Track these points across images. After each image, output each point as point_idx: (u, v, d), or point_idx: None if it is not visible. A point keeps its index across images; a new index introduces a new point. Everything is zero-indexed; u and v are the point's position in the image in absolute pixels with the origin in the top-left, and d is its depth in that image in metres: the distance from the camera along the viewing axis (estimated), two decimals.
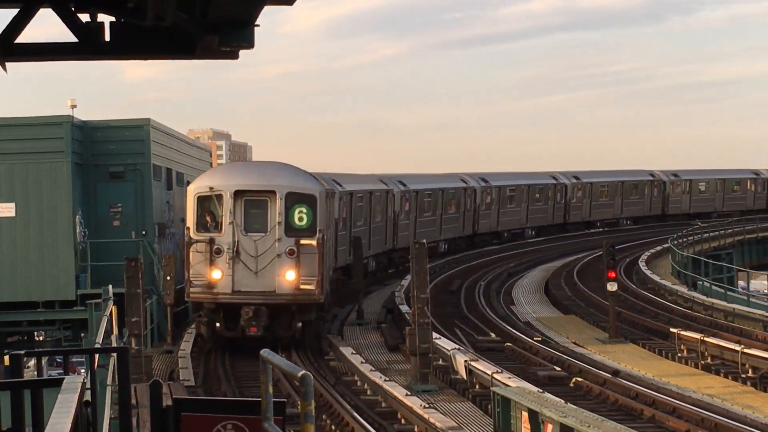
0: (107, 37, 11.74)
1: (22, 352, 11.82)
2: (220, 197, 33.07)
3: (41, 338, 38.45)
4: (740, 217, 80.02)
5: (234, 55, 11.88)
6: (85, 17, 11.60)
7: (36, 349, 20.03)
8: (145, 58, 12.37)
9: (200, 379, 29.31)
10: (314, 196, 34.04)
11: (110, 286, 29.79)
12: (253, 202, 33.51)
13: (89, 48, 11.71)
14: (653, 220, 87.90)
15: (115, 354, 14.83)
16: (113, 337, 26.47)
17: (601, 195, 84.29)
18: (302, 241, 32.95)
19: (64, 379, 8.54)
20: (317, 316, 35.56)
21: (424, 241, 35.87)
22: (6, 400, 8.89)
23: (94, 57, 12.11)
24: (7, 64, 11.82)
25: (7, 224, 35.78)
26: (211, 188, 33.30)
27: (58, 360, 23.31)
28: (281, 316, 33.38)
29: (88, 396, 10.35)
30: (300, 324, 33.42)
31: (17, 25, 11.36)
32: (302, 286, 32.99)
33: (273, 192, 33.33)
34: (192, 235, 32.83)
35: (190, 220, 33.40)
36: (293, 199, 33.43)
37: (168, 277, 34.71)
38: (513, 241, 74.22)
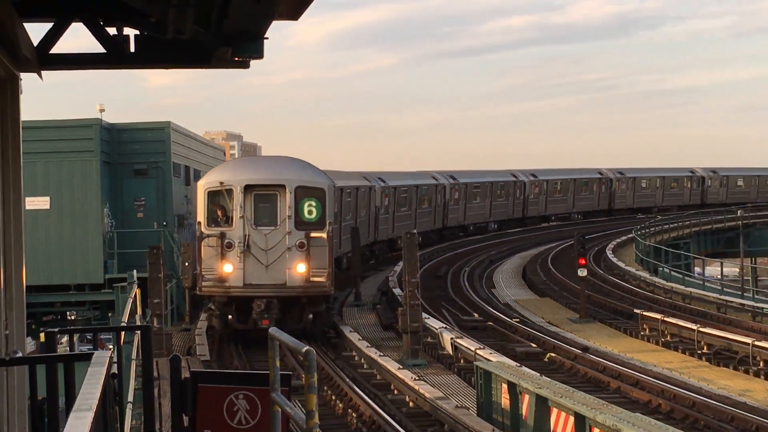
0: (132, 49, 11.72)
1: (56, 329, 11.80)
2: (230, 192, 30.60)
3: (73, 317, 38.40)
4: (697, 211, 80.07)
5: (246, 65, 11.86)
6: (112, 30, 11.58)
7: (68, 327, 20.06)
8: (166, 67, 12.33)
9: (215, 354, 29.29)
10: (323, 190, 31.40)
11: (134, 271, 29.92)
12: (262, 197, 30.97)
13: (116, 58, 11.69)
14: (601, 214, 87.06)
15: (138, 332, 14.81)
16: (137, 317, 26.47)
17: (556, 191, 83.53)
18: (312, 234, 30.46)
19: (93, 354, 8.52)
20: (327, 307, 32.88)
21: (415, 231, 35.83)
22: (42, 372, 8.88)
23: (120, 66, 12.08)
24: (42, 72, 11.79)
25: (43, 216, 35.75)
26: (221, 183, 30.80)
27: (88, 337, 23.35)
28: (292, 308, 30.80)
29: (115, 369, 10.33)
30: (311, 316, 30.92)
31: (51, 37, 11.34)
32: (313, 279, 30.49)
33: (282, 186, 30.83)
34: (203, 229, 30.38)
35: (201, 214, 30.99)
36: (302, 193, 30.86)
37: (186, 263, 34.60)
38: (478, 234, 73.14)
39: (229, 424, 9.96)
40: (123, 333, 18.12)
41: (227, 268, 30.12)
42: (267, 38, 11.15)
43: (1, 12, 8.79)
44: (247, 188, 30.74)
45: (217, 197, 30.75)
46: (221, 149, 62.23)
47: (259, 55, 11.29)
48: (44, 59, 11.36)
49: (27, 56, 10.79)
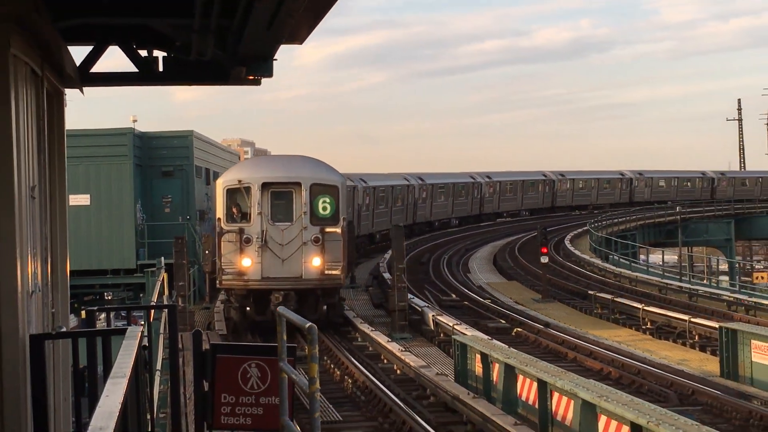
0: (160, 68, 11.70)
1: (95, 308, 11.77)
2: (248, 189, 27.87)
3: (109, 297, 38.33)
4: (642, 207, 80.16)
5: (258, 82, 11.84)
6: (143, 53, 11.56)
7: (106, 306, 20.00)
8: (189, 84, 12.31)
9: (230, 329, 29.26)
10: (337, 187, 28.65)
11: (162, 258, 29.88)
12: (279, 194, 28.24)
13: (146, 76, 11.66)
14: (545, 211, 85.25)
15: (166, 310, 14.78)
16: (165, 297, 26.47)
17: (507, 191, 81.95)
18: (327, 229, 27.78)
19: (127, 329, 8.51)
20: (339, 298, 30.29)
21: (401, 224, 35.70)
22: (83, 344, 8.87)
23: (150, 83, 12.05)
24: (84, 88, 11.77)
25: (84, 211, 35.74)
26: (239, 181, 28.06)
27: (123, 314, 23.33)
28: (308, 300, 28.14)
29: (145, 342, 10.31)
30: (325, 307, 28.39)
31: (91, 59, 11.32)
32: (327, 272, 27.83)
33: (298, 183, 28.08)
34: (223, 225, 27.75)
35: (220, 211, 28.21)
36: (317, 190, 28.13)
37: (206, 252, 34.45)
38: (442, 229, 71.54)
39: (242, 388, 9.95)
40: (152, 311, 18.05)
41: (246, 262, 27.61)
42: (276, 59, 11.14)
43: (49, 37, 8.77)
44: (265, 186, 28.17)
45: (236, 194, 28.14)
46: (236, 154, 62.04)
47: (270, 74, 11.28)
48: (85, 77, 11.33)
49: (71, 75, 10.76)
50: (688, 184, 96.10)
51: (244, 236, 27.72)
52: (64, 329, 10.17)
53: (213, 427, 10.17)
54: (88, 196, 36.14)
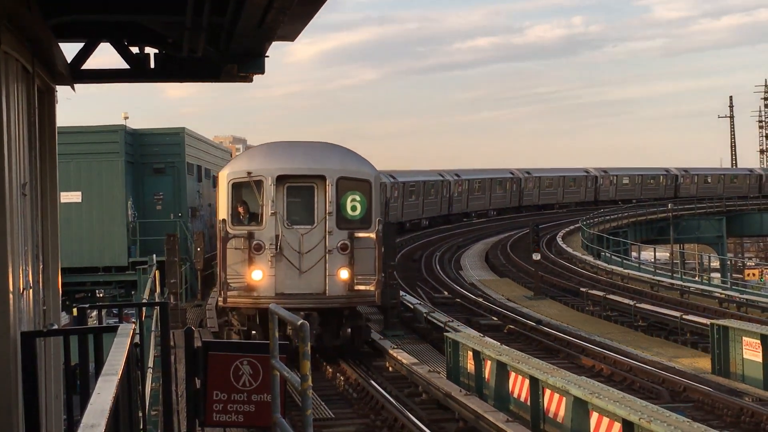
0: (152, 65, 11.69)
1: (87, 305, 11.78)
2: (259, 184, 22.54)
3: (101, 295, 38.32)
4: (633, 204, 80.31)
5: (249, 79, 11.84)
6: (135, 49, 11.56)
7: (97, 304, 19.93)
8: (181, 81, 12.31)
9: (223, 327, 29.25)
10: (369, 182, 23.09)
11: (154, 255, 29.76)
12: (297, 189, 22.95)
13: (138, 73, 11.65)
14: (512, 211, 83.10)
15: (157, 307, 14.77)
16: (156, 295, 26.38)
17: (476, 190, 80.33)
18: (357, 234, 22.47)
19: (119, 326, 8.50)
20: (366, 320, 25.15)
21: (391, 221, 35.56)
22: (74, 342, 8.86)
23: (142, 80, 12.05)
24: (75, 85, 11.75)
25: (76, 208, 35.66)
26: (248, 173, 22.63)
27: (114, 312, 23.21)
28: (330, 321, 22.93)
29: (137, 339, 10.31)
30: (349, 330, 23.17)
31: (83, 55, 11.30)
32: (357, 287, 22.47)
33: (322, 177, 22.68)
34: (228, 229, 22.41)
35: (224, 211, 22.83)
36: (345, 186, 22.81)
37: (198, 249, 34.49)
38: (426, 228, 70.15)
39: (234, 385, 9.96)
40: (144, 308, 18.03)
41: (256, 274, 22.34)
42: (267, 57, 11.14)
43: (40, 33, 8.76)
44: (280, 179, 22.83)
45: (244, 190, 22.93)
46: (228, 151, 62.13)
47: (261, 71, 11.29)
48: (76, 74, 11.32)
49: (62, 71, 10.75)
50: (652, 181, 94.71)
51: (255, 242, 22.53)
52: (55, 327, 10.16)
53: (205, 425, 10.18)
54: (79, 193, 36.05)
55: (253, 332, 22.80)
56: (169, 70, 11.74)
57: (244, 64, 11.05)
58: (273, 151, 24.19)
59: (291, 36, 10.90)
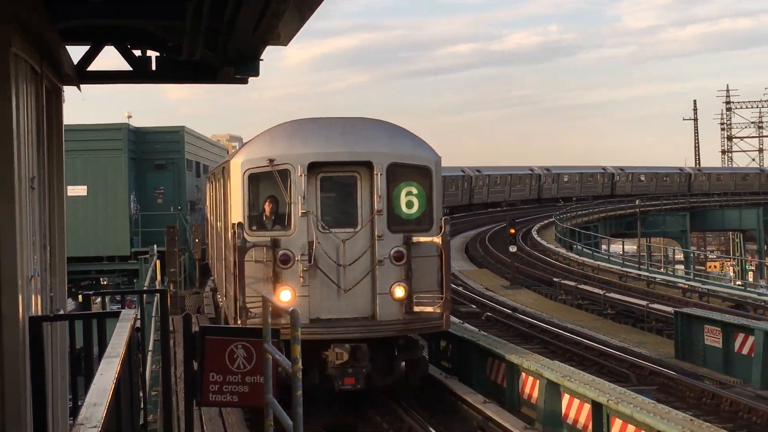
0: (154, 67, 11.68)
1: (91, 292, 11.76)
2: (285, 174, 15.86)
3: (105, 282, 38.20)
4: (604, 201, 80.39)
5: (245, 81, 11.83)
6: (137, 52, 11.54)
7: (101, 291, 19.92)
8: (181, 82, 12.30)
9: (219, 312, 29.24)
10: (429, 169, 16.56)
11: (155, 246, 29.74)
12: (335, 181, 16.47)
13: (140, 75, 11.63)
14: (462, 209, 78.12)
15: (158, 294, 14.76)
16: (157, 282, 26.36)
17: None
18: (415, 239, 16.07)
19: (121, 312, 8.49)
20: (423, 350, 17.90)
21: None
22: (79, 326, 8.86)
23: (144, 81, 12.02)
24: (81, 85, 11.72)
25: (81, 201, 35.60)
26: (270, 161, 15.87)
27: (117, 298, 23.17)
28: (379, 353, 16.32)
29: (138, 324, 10.30)
30: (403, 364, 16.44)
31: (88, 58, 11.28)
32: (417, 308, 16.09)
33: (367, 164, 16.13)
34: (246, 235, 15.67)
35: (238, 211, 16.13)
36: (399, 175, 16.30)
37: (196, 240, 34.42)
38: None
39: (230, 368, 9.95)
40: (145, 295, 18.02)
41: (284, 295, 15.79)
42: (262, 60, 11.13)
43: (48, 37, 8.74)
44: (313, 168, 16.06)
45: (264, 183, 16.21)
46: (225, 148, 61.95)
47: (256, 73, 11.27)
48: (82, 75, 11.30)
49: (68, 73, 10.72)
50: (591, 179, 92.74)
51: (281, 253, 15.87)
52: (61, 312, 10.14)
53: (201, 404, 10.18)
54: (85, 187, 36.00)
55: (279, 369, 13.03)
56: (169, 72, 11.73)
57: (240, 67, 11.03)
58: (302, 131, 16.56)
59: (284, 40, 10.89)
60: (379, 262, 15.98)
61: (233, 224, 16.13)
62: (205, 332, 10.16)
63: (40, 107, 9.52)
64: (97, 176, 36.37)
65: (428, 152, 16.81)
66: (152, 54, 11.58)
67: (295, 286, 15.74)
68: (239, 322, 15.78)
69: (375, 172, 16.10)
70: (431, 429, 15.39)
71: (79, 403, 7.19)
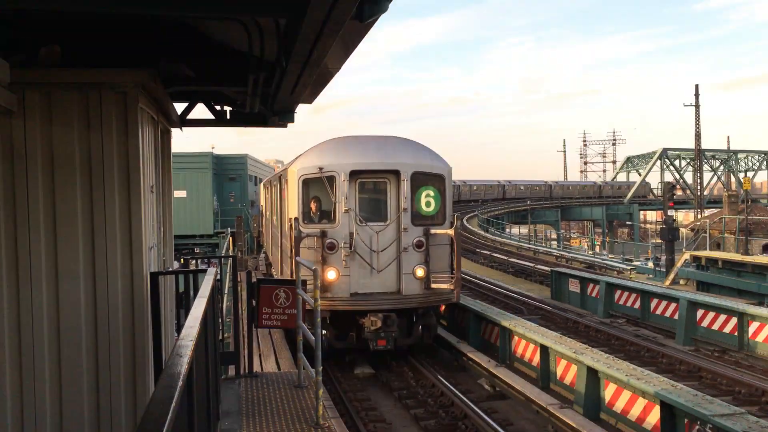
0: (228, 116, 11.63)
1: (189, 257, 11.72)
2: (332, 180, 14.17)
3: (197, 251, 38.11)
4: (500, 201, 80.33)
5: (285, 126, 11.78)
6: (218, 107, 11.49)
7: (195, 256, 19.94)
8: (245, 126, 12.23)
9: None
10: (443, 177, 14.89)
11: (228, 228, 29.68)
12: (370, 185, 14.75)
13: (220, 121, 11.58)
14: None
15: (230, 258, 14.70)
16: (230, 251, 26.29)
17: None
18: (433, 231, 14.39)
19: (207, 269, 8.48)
20: (437, 318, 15.54)
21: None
22: (181, 279, 8.84)
23: (222, 125, 11.95)
24: (183, 128, 11.68)
25: (183, 200, 35.47)
26: (320, 169, 14.23)
27: (205, 261, 23.16)
28: (403, 320, 14.57)
29: (218, 277, 10.28)
30: (420, 328, 14.62)
31: (187, 110, 11.22)
32: (434, 285, 14.37)
33: (396, 172, 14.35)
34: (301, 227, 13.86)
35: (295, 208, 14.32)
36: (419, 181, 14.59)
37: (255, 225, 34.31)
38: None
39: (275, 304, 9.93)
40: (223, 259, 17.99)
41: (330, 275, 14.00)
42: (296, 112, 11.09)
43: (162, 96, 8.71)
44: (353, 175, 14.39)
45: (315, 186, 14.43)
46: (272, 167, 61.75)
47: (292, 120, 11.21)
48: (184, 121, 11.23)
49: (175, 120, 10.67)
50: (491, 188, 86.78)
51: (328, 241, 14.08)
52: (170, 269, 10.11)
53: (258, 327, 10.16)
54: (185, 191, 35.83)
55: (324, 332, 13.56)
56: (238, 120, 11.67)
57: (281, 116, 10.98)
58: (345, 145, 14.66)
59: (309, 100, 10.88)
60: (404, 249, 14.04)
61: (290, 218, 13.75)
62: (260, 282, 10.14)
63: (157, 141, 9.48)
64: (192, 185, 36.20)
65: (442, 163, 14.67)
66: (227, 108, 11.53)
67: (338, 267, 13.86)
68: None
69: (402, 179, 14.08)
70: (440, 377, 13.17)
71: (180, 326, 7.21)
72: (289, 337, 15.10)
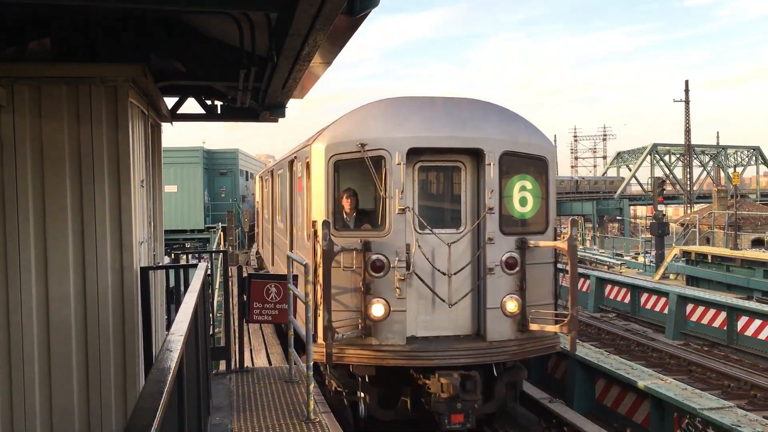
0: (219, 111, 11.60)
1: (180, 252, 11.70)
2: (379, 163, 7.79)
3: (188, 246, 37.99)
4: None
5: (276, 120, 11.75)
6: (209, 102, 11.45)
7: (185, 251, 19.81)
8: (236, 121, 12.20)
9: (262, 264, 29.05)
10: (544, 160, 8.33)
11: (219, 223, 29.62)
12: (436, 172, 8.29)
13: (211, 116, 11.55)
14: None
15: (221, 253, 14.68)
16: (221, 246, 26.25)
17: None
18: (532, 243, 8.17)
19: (198, 264, 8.45)
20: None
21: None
22: (171, 273, 8.81)
23: (213, 120, 11.93)
24: (173, 123, 11.63)
25: (173, 195, 35.36)
26: (362, 145, 7.75)
27: (196, 256, 23.02)
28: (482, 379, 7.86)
29: (209, 272, 10.26)
30: (504, 390, 8.35)
31: (177, 105, 11.19)
32: (535, 326, 8.15)
33: (476, 152, 8.04)
34: (335, 236, 7.79)
35: (321, 206, 8.15)
36: (512, 166, 8.13)
37: (245, 219, 34.24)
38: None
39: (266, 299, 9.92)
40: (213, 254, 17.94)
41: (377, 310, 8.01)
42: (287, 107, 11.07)
43: (152, 91, 8.67)
44: (412, 155, 8.12)
45: (350, 174, 8.29)
46: (263, 163, 61.54)
47: (283, 115, 11.21)
48: (174, 116, 11.20)
49: (165, 114, 10.63)
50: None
51: (373, 258, 8.24)
52: (160, 264, 10.08)
53: (248, 322, 10.15)
54: (175, 186, 35.70)
55: (361, 394, 8.68)
56: (229, 115, 11.64)
57: (272, 111, 10.96)
58: (399, 110, 8.78)
59: (301, 95, 10.86)
60: (489, 269, 8.54)
61: (314, 222, 8.61)
62: (251, 277, 10.13)
63: (147, 136, 9.44)
64: (183, 179, 36.07)
65: (544, 140, 8.99)
66: (218, 103, 11.50)
67: (388, 297, 8.33)
68: (324, 342, 8.26)
69: (486, 162, 8.46)
70: None
71: (171, 320, 7.20)
72: (280, 332, 15.08)
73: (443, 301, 8.36)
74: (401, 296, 8.32)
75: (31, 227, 7.39)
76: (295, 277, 9.55)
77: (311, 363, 7.80)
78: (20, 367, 7.33)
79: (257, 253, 28.39)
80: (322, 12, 5.32)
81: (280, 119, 11.51)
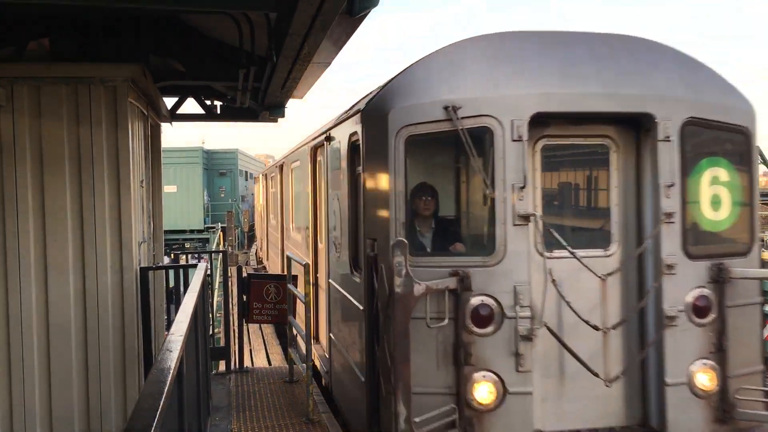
0: (219, 111, 11.60)
1: (179, 252, 11.71)
2: (482, 137, 3.19)
3: (188, 246, 37.99)
4: None
5: (275, 121, 11.76)
6: (208, 102, 11.45)
7: (185, 251, 19.76)
8: (236, 121, 12.21)
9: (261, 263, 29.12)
10: (746, 133, 3.66)
11: (219, 223, 29.63)
12: (572, 153, 3.56)
13: (210, 116, 11.55)
14: None
15: (221, 253, 14.69)
16: (220, 246, 26.26)
17: None
18: (735, 271, 3.66)
19: (198, 264, 8.46)
20: None
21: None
22: (171, 273, 8.81)
23: (213, 120, 11.94)
24: (173, 123, 11.63)
25: (173, 195, 35.34)
26: (453, 109, 3.16)
27: (196, 256, 22.98)
28: None
29: (209, 272, 10.26)
30: None
31: (177, 105, 11.19)
32: (743, 410, 3.60)
33: (645, 118, 3.47)
34: (407, 266, 3.11)
35: (381, 215, 3.75)
36: (699, 143, 3.42)
37: (245, 220, 34.25)
38: None
39: (266, 299, 9.94)
40: (213, 254, 17.96)
41: (482, 392, 3.63)
42: (286, 107, 11.08)
43: (152, 91, 8.68)
44: (538, 127, 3.60)
45: (426, 158, 3.76)
46: (262, 162, 61.52)
47: (283, 116, 11.22)
48: (173, 116, 11.20)
49: (165, 114, 10.63)
50: None
51: (475, 302, 3.92)
52: (160, 264, 10.09)
53: (248, 322, 10.16)
54: (175, 186, 35.70)
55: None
56: (228, 115, 11.64)
57: (272, 111, 10.97)
58: (509, 53, 4.18)
59: (300, 95, 10.86)
60: (669, 318, 4.90)
61: (372, 241, 4.97)
62: (251, 277, 10.14)
63: (147, 136, 9.45)
64: (183, 179, 36.07)
65: (742, 101, 5.12)
66: (218, 103, 11.50)
67: (503, 371, 4.69)
68: None
69: (661, 136, 4.74)
70: None
71: (170, 321, 7.20)
72: (280, 332, 15.10)
73: (595, 375, 4.67)
74: (524, 367, 4.71)
75: (31, 227, 7.39)
76: (294, 276, 9.56)
77: (311, 363, 7.82)
78: (20, 367, 7.33)
79: (256, 253, 28.58)
80: (322, 12, 5.32)
81: (279, 119, 11.52)
